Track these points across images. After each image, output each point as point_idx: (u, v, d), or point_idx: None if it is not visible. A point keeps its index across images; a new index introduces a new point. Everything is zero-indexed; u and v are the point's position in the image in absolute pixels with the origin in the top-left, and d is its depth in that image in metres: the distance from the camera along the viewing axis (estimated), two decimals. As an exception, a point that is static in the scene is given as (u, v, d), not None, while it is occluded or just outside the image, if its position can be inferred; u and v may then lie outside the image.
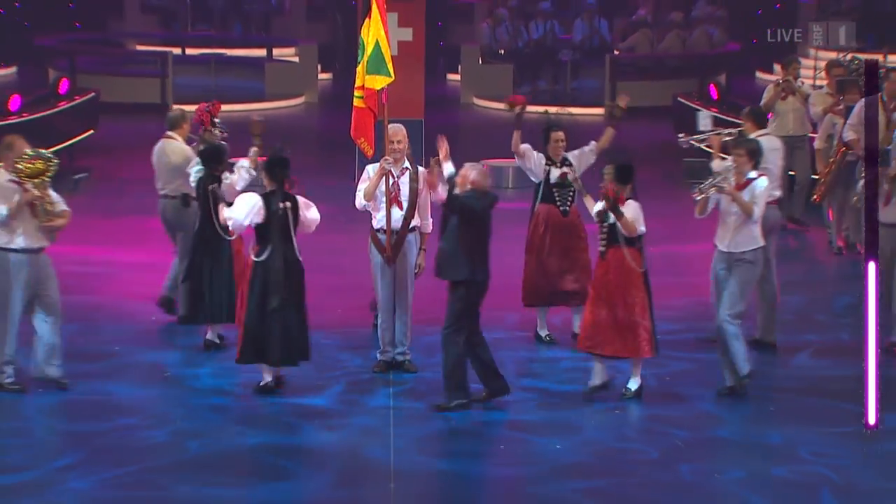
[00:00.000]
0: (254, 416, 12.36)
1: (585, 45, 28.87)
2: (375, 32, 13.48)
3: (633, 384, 12.66)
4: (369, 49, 13.47)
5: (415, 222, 13.30)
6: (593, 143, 14.33)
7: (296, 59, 29.31)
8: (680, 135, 15.22)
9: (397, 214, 13.20)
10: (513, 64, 28.42)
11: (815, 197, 17.35)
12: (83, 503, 10.72)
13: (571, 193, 14.07)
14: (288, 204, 12.48)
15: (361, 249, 13.64)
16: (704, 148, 14.59)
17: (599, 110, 26.43)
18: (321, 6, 31.58)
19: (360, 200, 13.25)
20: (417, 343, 13.67)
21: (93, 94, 24.15)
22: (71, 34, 30.41)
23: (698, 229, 14.34)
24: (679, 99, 24.04)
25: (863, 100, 17.12)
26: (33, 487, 10.83)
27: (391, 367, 13.30)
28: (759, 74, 29.04)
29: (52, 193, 12.30)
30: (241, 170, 13.46)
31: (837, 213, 17.43)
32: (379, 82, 13.48)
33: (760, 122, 14.36)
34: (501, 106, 20.11)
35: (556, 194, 14.10)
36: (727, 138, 14.16)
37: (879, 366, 11.92)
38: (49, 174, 12.17)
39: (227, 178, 13.54)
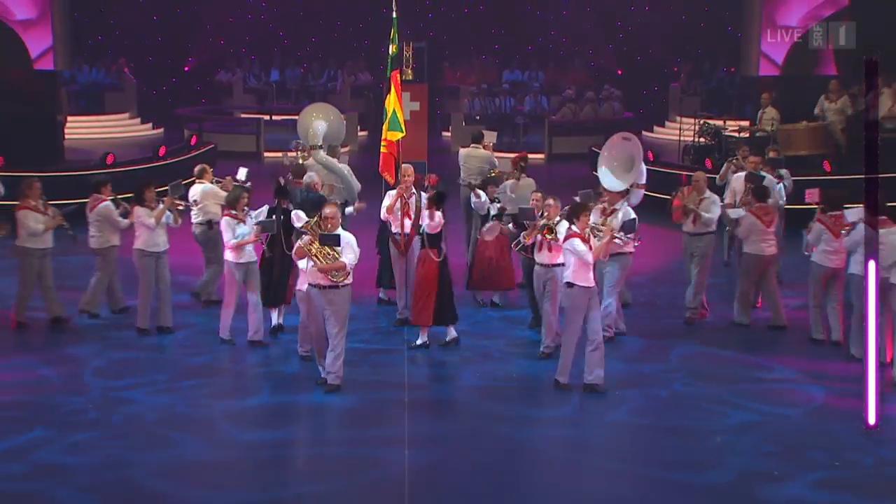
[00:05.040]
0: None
1: (532, 113, 28.66)
2: (393, 104, 13.42)
3: (418, 340, 12.17)
4: (389, 114, 13.42)
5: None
6: None
7: (344, 122, 29.01)
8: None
9: (407, 223, 12.96)
10: (484, 125, 28.14)
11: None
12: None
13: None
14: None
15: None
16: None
17: (542, 155, 26.51)
18: (360, 88, 31.41)
19: (383, 213, 13.06)
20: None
21: (212, 146, 23.88)
22: (199, 107, 30.25)
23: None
24: (592, 148, 23.64)
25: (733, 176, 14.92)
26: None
27: (405, 322, 13.02)
28: (644, 133, 28.80)
29: (338, 249, 10.72)
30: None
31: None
32: (395, 136, 13.45)
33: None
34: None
35: None
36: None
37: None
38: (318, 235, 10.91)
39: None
